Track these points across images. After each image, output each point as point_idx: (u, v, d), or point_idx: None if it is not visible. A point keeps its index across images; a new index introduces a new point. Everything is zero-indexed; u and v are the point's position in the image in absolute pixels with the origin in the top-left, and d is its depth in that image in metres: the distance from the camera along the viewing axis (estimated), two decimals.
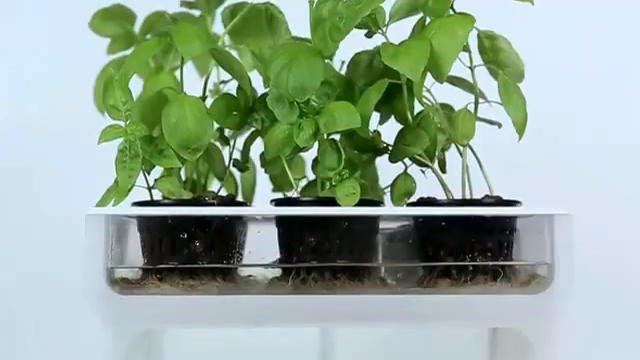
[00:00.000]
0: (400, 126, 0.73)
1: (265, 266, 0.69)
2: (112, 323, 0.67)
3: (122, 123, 0.69)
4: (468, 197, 0.71)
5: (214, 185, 0.81)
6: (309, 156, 0.77)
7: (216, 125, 0.73)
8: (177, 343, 0.79)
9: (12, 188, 1.03)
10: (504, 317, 0.68)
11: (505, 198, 0.70)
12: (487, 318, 0.68)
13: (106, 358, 0.68)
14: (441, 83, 0.69)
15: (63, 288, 0.91)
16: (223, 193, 0.77)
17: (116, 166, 0.69)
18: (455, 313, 0.67)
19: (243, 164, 0.78)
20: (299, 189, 0.79)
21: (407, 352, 0.81)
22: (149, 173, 0.71)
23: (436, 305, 0.67)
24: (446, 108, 0.75)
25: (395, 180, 0.73)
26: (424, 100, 0.71)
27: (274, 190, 0.83)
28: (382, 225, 0.73)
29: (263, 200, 0.77)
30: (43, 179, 1.02)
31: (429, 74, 0.69)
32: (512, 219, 0.70)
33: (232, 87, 0.76)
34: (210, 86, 0.79)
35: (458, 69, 0.71)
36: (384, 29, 0.71)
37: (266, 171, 0.79)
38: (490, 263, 0.68)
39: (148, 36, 0.84)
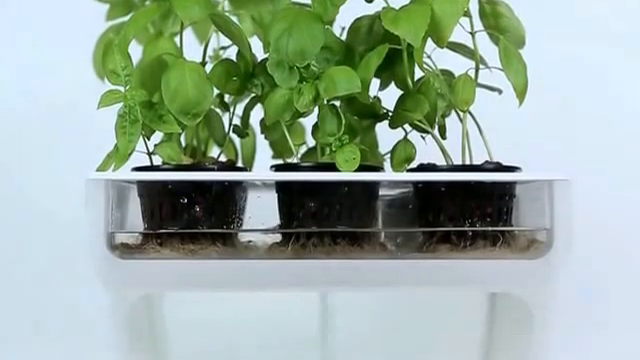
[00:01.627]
0: (400, 92, 0.73)
1: (265, 231, 0.69)
2: (113, 287, 0.68)
3: (122, 88, 0.69)
4: (468, 163, 0.71)
5: (214, 152, 0.82)
6: (309, 123, 0.77)
7: (216, 91, 0.72)
8: (177, 307, 0.80)
9: (13, 155, 1.03)
10: (503, 282, 0.68)
11: (505, 164, 0.70)
12: (486, 283, 0.68)
13: (107, 322, 0.68)
14: (441, 48, 0.69)
15: (64, 254, 0.91)
16: (223, 159, 0.78)
17: (116, 131, 0.69)
18: (454, 278, 0.67)
19: (243, 130, 0.78)
20: (299, 155, 0.79)
21: (406, 317, 0.82)
22: (149, 139, 0.71)
23: (435, 270, 0.67)
24: (446, 74, 0.75)
25: (395, 146, 0.73)
26: (424, 66, 0.71)
27: (274, 157, 0.83)
28: (382, 192, 0.74)
29: (263, 167, 0.77)
30: (43, 146, 1.02)
31: (429, 39, 0.69)
32: (512, 185, 0.70)
33: (232, 53, 0.76)
34: (210, 52, 0.79)
35: (458, 35, 0.71)
36: None
37: (266, 137, 0.79)
38: (489, 228, 0.68)
39: (147, 2, 0.84)
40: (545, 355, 0.71)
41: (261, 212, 0.71)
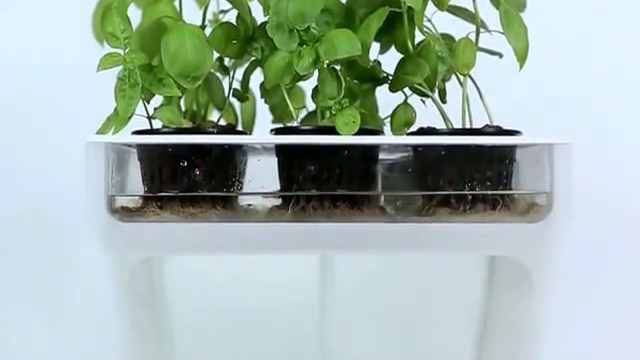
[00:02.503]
0: (400, 56, 0.73)
1: (265, 194, 0.70)
2: (113, 250, 0.68)
3: (121, 51, 0.69)
4: (468, 127, 0.72)
5: (214, 116, 0.82)
6: (308, 87, 0.77)
7: (215, 55, 0.72)
8: (178, 271, 0.80)
9: (14, 120, 1.03)
10: (503, 245, 0.68)
11: (505, 128, 0.70)
12: (486, 246, 0.68)
13: (108, 285, 0.69)
14: (442, 11, 0.69)
15: (64, 217, 0.92)
16: (223, 123, 0.78)
17: (115, 95, 0.69)
18: (454, 241, 0.67)
19: (243, 94, 0.78)
20: (299, 119, 0.79)
21: (405, 280, 0.82)
22: (149, 102, 0.71)
23: (435, 233, 0.67)
24: (447, 38, 0.75)
25: (395, 110, 0.73)
26: (425, 29, 0.70)
27: (274, 121, 0.83)
28: (382, 156, 0.74)
29: (263, 132, 0.77)
30: (42, 108, 1.02)
31: (430, 2, 0.68)
32: (512, 149, 0.70)
33: (231, 16, 0.76)
34: (209, 16, 0.78)
35: None
36: None
37: (266, 101, 0.79)
38: (489, 192, 0.68)
39: None
40: (543, 319, 0.71)
41: (261, 176, 0.71)
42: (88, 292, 0.89)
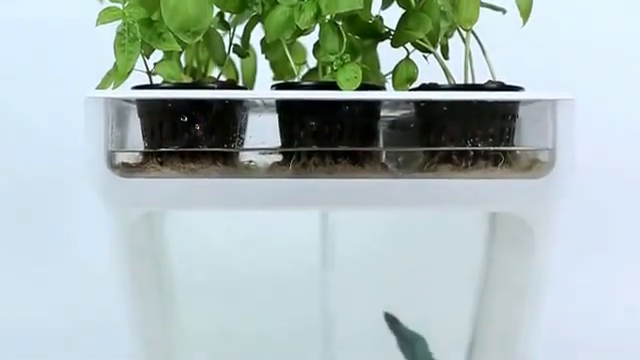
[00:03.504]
0: (402, 11, 0.72)
1: (266, 150, 0.69)
2: (113, 206, 0.68)
3: (120, 5, 0.68)
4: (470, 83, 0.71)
5: (214, 73, 0.81)
6: (309, 44, 0.76)
7: (216, 10, 0.72)
8: (178, 228, 0.80)
9: (10, 73, 1.03)
10: (504, 201, 0.68)
11: (508, 84, 0.70)
12: (487, 202, 0.68)
13: (109, 241, 0.69)
14: None
15: (65, 173, 0.91)
16: (223, 80, 0.77)
17: (115, 49, 0.68)
18: (455, 197, 0.67)
19: (243, 50, 0.77)
20: (300, 76, 0.78)
21: (407, 236, 0.82)
22: (148, 57, 0.70)
23: (436, 189, 0.67)
24: None
25: (397, 66, 0.72)
26: None
27: (275, 78, 0.82)
28: (383, 113, 0.73)
29: (264, 89, 0.77)
30: (41, 63, 1.01)
31: None
32: (514, 105, 0.69)
33: None
34: None
35: None
36: None
37: (266, 57, 0.79)
38: (491, 148, 0.68)
39: None
40: (544, 275, 0.71)
41: (262, 133, 0.70)
42: (89, 248, 0.88)
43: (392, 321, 0.78)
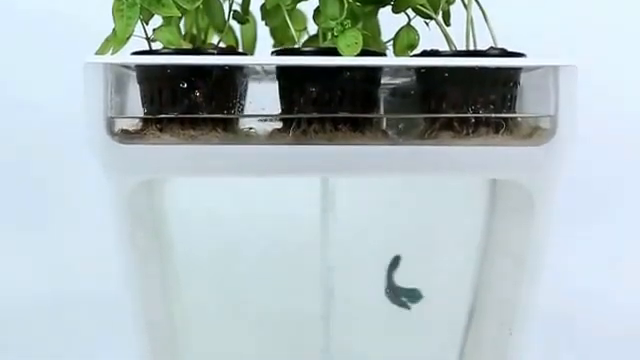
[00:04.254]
0: None
1: (266, 116, 0.69)
2: (113, 172, 0.67)
3: None
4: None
5: (214, 41, 0.80)
6: (309, 9, 0.75)
7: None
8: (178, 196, 0.80)
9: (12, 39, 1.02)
10: (505, 168, 0.68)
11: (510, 50, 0.69)
12: (488, 169, 0.68)
13: (108, 207, 0.68)
14: None
15: (64, 140, 0.91)
16: (223, 47, 0.77)
17: (113, 15, 0.67)
18: (456, 164, 0.67)
19: (243, 16, 0.77)
20: (300, 43, 0.78)
21: (407, 203, 0.82)
22: (147, 23, 0.70)
23: (437, 157, 0.67)
24: None
25: (398, 32, 0.72)
26: None
27: (275, 45, 0.82)
28: (384, 80, 0.73)
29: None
30: (38, 29, 1.01)
31: None
32: (516, 71, 0.69)
33: None
34: None
35: None
36: None
37: (266, 24, 0.78)
38: (493, 115, 0.68)
39: None
40: (545, 244, 0.71)
41: (262, 100, 0.70)
42: (89, 216, 0.88)
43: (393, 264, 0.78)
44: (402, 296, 0.80)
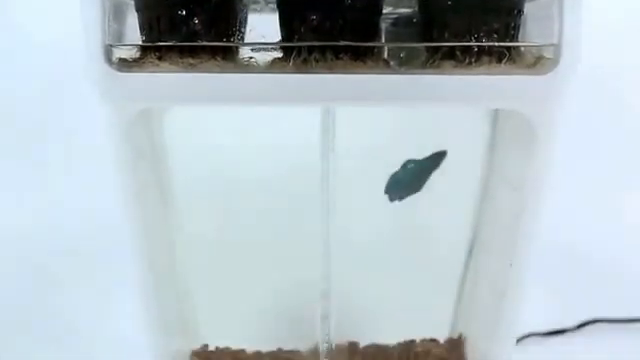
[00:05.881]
0: None
1: (266, 45, 0.68)
2: (112, 101, 0.67)
3: None
4: None
5: None
6: None
7: None
8: (178, 127, 0.79)
9: None
10: (507, 98, 0.67)
11: None
12: (490, 99, 0.67)
13: (107, 136, 0.68)
14: None
15: (64, 70, 0.90)
16: None
17: None
18: (458, 94, 0.66)
19: None
20: None
21: (408, 133, 0.81)
22: None
23: (439, 86, 0.66)
24: None
25: None
26: None
27: None
28: (386, 11, 0.72)
29: None
30: None
31: None
32: None
33: None
34: None
35: None
36: None
37: None
38: (495, 44, 0.67)
39: None
40: (546, 175, 0.70)
41: (262, 29, 0.69)
42: (89, 145, 0.88)
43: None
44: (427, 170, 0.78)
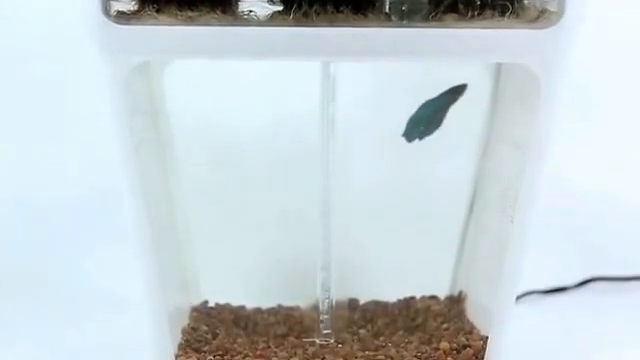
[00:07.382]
0: None
1: None
2: (110, 54, 0.66)
3: None
4: None
5: None
6: None
7: None
8: (178, 80, 0.78)
9: None
10: (511, 52, 0.66)
11: None
12: (493, 53, 0.66)
13: (105, 91, 0.67)
14: None
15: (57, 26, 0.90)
16: None
17: None
18: (460, 47, 0.65)
19: None
20: None
21: (409, 87, 0.81)
22: None
23: (441, 40, 0.65)
24: None
25: None
26: None
27: None
28: None
29: None
30: None
31: None
32: None
33: None
34: None
35: None
36: None
37: None
38: None
39: None
40: (550, 132, 0.70)
41: None
42: (87, 100, 0.87)
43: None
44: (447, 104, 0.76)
